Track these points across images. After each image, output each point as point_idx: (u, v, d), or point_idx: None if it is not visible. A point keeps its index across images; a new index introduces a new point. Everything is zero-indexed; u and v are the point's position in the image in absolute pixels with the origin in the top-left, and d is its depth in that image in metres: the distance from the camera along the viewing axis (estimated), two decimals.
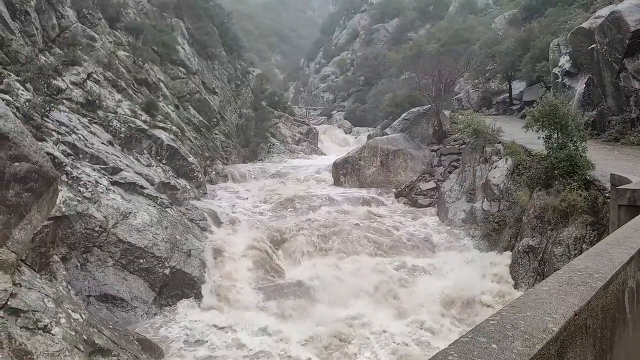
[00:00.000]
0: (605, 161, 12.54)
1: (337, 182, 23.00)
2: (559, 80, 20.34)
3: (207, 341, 10.72)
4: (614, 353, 2.73)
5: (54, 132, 13.28)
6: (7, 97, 12.17)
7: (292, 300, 12.53)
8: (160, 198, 14.82)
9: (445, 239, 16.09)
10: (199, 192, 18.86)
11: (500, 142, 16.87)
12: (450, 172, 20.60)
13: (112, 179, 13.83)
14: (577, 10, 25.17)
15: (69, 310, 8.53)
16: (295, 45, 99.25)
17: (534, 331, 1.85)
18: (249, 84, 35.18)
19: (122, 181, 14.13)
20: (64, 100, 15.45)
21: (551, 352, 1.81)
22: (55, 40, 17.48)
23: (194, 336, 10.90)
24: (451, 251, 15.17)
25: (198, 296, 12.56)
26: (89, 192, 12.56)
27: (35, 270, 9.33)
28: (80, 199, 12.20)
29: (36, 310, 7.81)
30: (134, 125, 17.41)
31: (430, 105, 24.90)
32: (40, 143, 10.68)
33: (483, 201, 15.79)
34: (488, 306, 11.28)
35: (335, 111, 53.03)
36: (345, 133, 41.01)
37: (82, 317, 8.72)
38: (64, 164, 12.54)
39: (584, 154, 11.58)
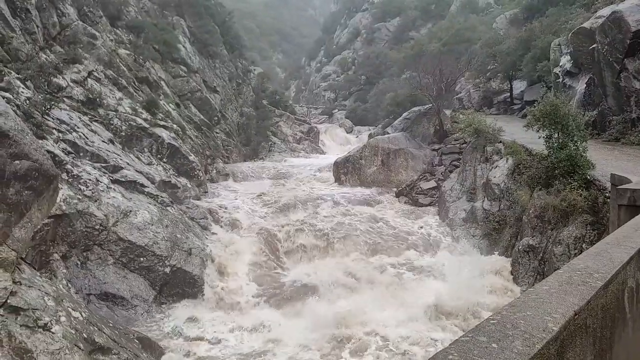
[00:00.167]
0: (605, 161, 12.53)
1: (337, 181, 23.00)
2: (560, 80, 20.32)
3: (207, 340, 10.74)
4: (613, 352, 2.73)
5: (54, 130, 13.28)
6: (7, 94, 12.17)
7: (292, 300, 12.54)
8: (161, 196, 14.83)
9: (445, 238, 16.10)
10: (200, 191, 18.86)
11: (501, 142, 16.86)
12: (451, 172, 20.59)
13: (112, 177, 13.84)
14: (578, 10, 25.13)
15: (69, 308, 8.54)
16: (296, 44, 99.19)
17: (534, 330, 1.85)
18: (250, 82, 35.17)
19: (123, 179, 14.13)
20: (65, 99, 15.45)
21: (551, 351, 1.81)
22: (56, 38, 17.48)
23: (194, 335, 10.91)
24: (451, 251, 15.17)
25: (198, 295, 12.57)
26: (90, 190, 12.57)
27: (35, 269, 9.33)
28: (80, 197, 12.20)
29: (36, 309, 7.82)
30: (134, 124, 17.41)
31: (431, 105, 24.89)
32: (40, 141, 10.69)
33: (484, 200, 15.79)
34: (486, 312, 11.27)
35: (337, 110, 52.99)
36: (347, 132, 40.97)
37: (82, 316, 8.73)
38: (65, 162, 12.54)
39: (584, 154, 11.57)
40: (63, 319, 8.13)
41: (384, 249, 15.20)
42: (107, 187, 13.15)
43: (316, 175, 24.45)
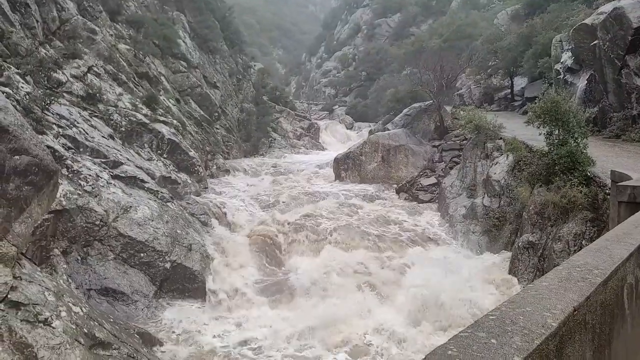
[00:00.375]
0: (606, 158, 12.52)
1: (338, 178, 22.99)
2: (561, 76, 20.27)
3: (207, 335, 10.77)
4: (612, 348, 2.74)
5: (54, 126, 13.26)
6: (7, 89, 12.15)
7: (292, 295, 12.56)
8: (161, 192, 14.83)
9: (445, 234, 16.11)
10: (200, 187, 18.86)
11: (501, 138, 16.84)
12: (451, 168, 20.58)
13: (112, 172, 13.83)
14: (580, 6, 25.05)
15: (69, 303, 8.56)
16: (297, 40, 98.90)
17: (533, 326, 1.86)
18: (251, 78, 35.09)
19: (123, 175, 14.13)
20: (65, 94, 15.42)
21: (550, 347, 1.81)
22: (56, 33, 17.43)
23: (194, 330, 10.94)
24: (451, 247, 15.19)
25: (198, 290, 12.59)
26: (90, 185, 12.57)
27: (35, 264, 9.35)
28: (80, 192, 12.21)
29: (37, 304, 7.83)
30: (134, 119, 17.38)
31: (431, 101, 24.84)
32: (40, 136, 10.68)
33: (484, 197, 15.79)
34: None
35: (337, 106, 52.90)
36: (347, 128, 40.91)
37: (82, 311, 8.75)
38: (65, 157, 12.54)
39: (584, 151, 11.55)
40: (63, 314, 8.15)
41: (383, 246, 15.20)
42: (107, 182, 13.15)
43: (316, 172, 24.44)
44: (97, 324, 8.82)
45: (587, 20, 18.11)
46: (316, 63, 74.35)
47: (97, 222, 12.06)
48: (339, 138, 37.43)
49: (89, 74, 17.04)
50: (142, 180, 14.56)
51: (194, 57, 26.73)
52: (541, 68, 23.75)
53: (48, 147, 10.44)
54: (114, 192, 13.04)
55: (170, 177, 16.88)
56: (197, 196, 17.63)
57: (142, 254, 12.35)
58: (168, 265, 12.53)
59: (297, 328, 10.96)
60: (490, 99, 31.93)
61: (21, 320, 7.49)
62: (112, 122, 16.62)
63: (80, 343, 8.03)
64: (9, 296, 7.54)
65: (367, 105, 46.07)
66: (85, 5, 19.55)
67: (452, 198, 17.72)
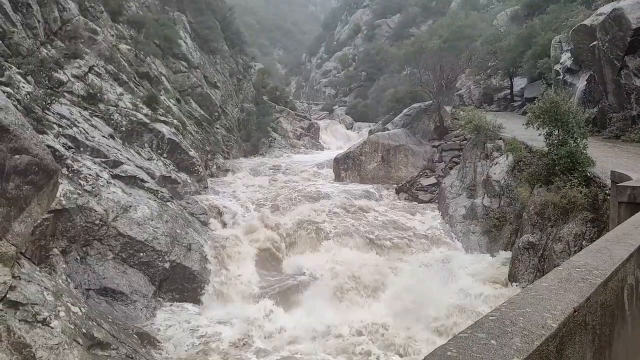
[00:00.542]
0: (605, 158, 12.52)
1: (338, 177, 23.00)
2: (560, 77, 20.27)
3: (206, 335, 10.75)
4: (612, 350, 2.73)
5: (54, 125, 13.26)
6: (8, 89, 12.15)
7: (292, 295, 12.56)
8: (161, 192, 14.82)
9: (445, 234, 16.10)
10: (200, 186, 18.86)
11: (501, 139, 16.84)
12: (451, 168, 20.57)
13: (112, 172, 13.83)
14: (579, 7, 25.06)
15: (68, 303, 8.55)
16: (297, 40, 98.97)
17: (533, 327, 1.85)
18: (251, 78, 35.10)
19: (123, 174, 14.13)
20: (65, 93, 15.42)
21: (550, 348, 1.81)
22: (57, 33, 17.43)
23: (193, 330, 10.93)
24: (450, 247, 15.18)
25: (198, 290, 12.58)
26: (90, 185, 12.56)
27: (34, 263, 9.34)
28: (80, 192, 12.20)
29: (35, 304, 7.82)
30: (135, 119, 17.38)
31: (431, 101, 24.84)
32: (41, 136, 10.67)
33: (484, 197, 15.79)
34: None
35: (337, 106, 52.93)
36: (347, 128, 40.94)
37: (81, 311, 8.74)
38: (65, 157, 12.53)
39: (584, 151, 11.55)
40: (62, 314, 8.14)
41: (383, 245, 15.20)
42: (107, 182, 13.14)
43: (316, 172, 24.44)
44: (95, 324, 8.81)
45: (587, 21, 18.11)
46: (316, 63, 74.40)
47: (97, 222, 12.05)
48: (338, 138, 37.45)
49: (89, 74, 17.04)
50: (142, 180, 14.55)
51: (195, 57, 26.74)
52: (541, 69, 23.76)
53: (48, 146, 10.44)
54: (113, 192, 13.04)
55: (170, 176, 16.88)
56: (197, 195, 17.63)
57: (141, 254, 12.35)
58: (167, 265, 12.52)
59: (296, 330, 10.95)
60: (490, 99, 31.93)
61: (20, 320, 7.48)
62: (112, 121, 16.62)
63: (79, 343, 8.03)
64: (7, 296, 7.53)
65: (367, 105, 46.10)
66: (86, 6, 19.55)
67: (452, 198, 17.72)
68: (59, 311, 8.11)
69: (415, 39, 47.15)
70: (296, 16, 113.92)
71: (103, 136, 15.12)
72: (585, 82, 18.29)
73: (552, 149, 12.05)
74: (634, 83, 15.54)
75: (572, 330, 2.05)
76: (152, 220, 13.04)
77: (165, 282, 12.41)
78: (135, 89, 19.36)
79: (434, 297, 11.43)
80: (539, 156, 12.86)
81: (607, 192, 10.09)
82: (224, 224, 16.25)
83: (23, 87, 13.12)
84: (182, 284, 12.55)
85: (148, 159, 16.79)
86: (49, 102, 13.66)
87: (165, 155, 17.92)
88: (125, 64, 19.81)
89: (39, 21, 16.30)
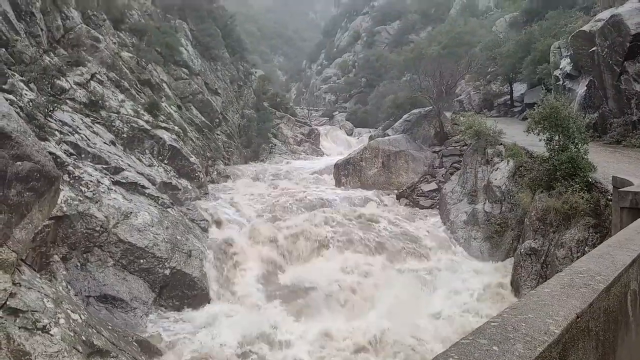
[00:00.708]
0: (607, 163, 12.51)
1: (338, 183, 22.99)
2: (560, 82, 20.32)
3: (207, 343, 10.69)
4: (616, 356, 2.71)
5: (56, 132, 13.29)
6: (11, 96, 12.18)
7: (293, 302, 12.50)
8: (162, 198, 14.82)
9: (446, 241, 16.05)
10: (201, 193, 18.86)
11: (501, 144, 16.85)
12: (451, 174, 20.56)
13: (113, 178, 13.83)
14: (578, 13, 25.18)
15: (68, 310, 8.52)
16: (297, 47, 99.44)
17: (536, 333, 1.84)
18: (252, 85, 35.22)
19: (124, 181, 14.13)
20: (68, 100, 15.48)
21: (553, 354, 1.79)
22: (60, 41, 17.53)
23: (193, 337, 10.87)
24: (452, 254, 15.14)
25: (198, 297, 12.53)
26: (91, 191, 12.56)
27: (35, 270, 9.33)
28: (81, 198, 12.20)
29: (35, 311, 7.80)
30: (136, 126, 17.42)
31: (431, 107, 24.88)
32: (42, 143, 10.69)
33: (485, 203, 15.76)
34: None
35: (337, 112, 53.04)
36: (347, 134, 40.98)
37: (81, 318, 8.71)
38: (66, 163, 12.54)
39: (585, 156, 11.55)
40: (62, 321, 8.11)
41: (384, 252, 15.15)
42: (108, 188, 13.14)
43: (317, 178, 24.43)
44: (95, 331, 8.77)
45: (585, 27, 18.18)
46: (316, 70, 74.67)
47: (98, 228, 12.04)
48: (339, 144, 37.48)
49: (92, 81, 17.11)
50: (143, 186, 14.55)
51: (196, 64, 26.85)
52: (540, 74, 23.82)
53: (50, 153, 10.45)
54: (114, 198, 13.03)
55: (170, 182, 16.88)
56: (198, 202, 17.62)
57: (141, 260, 12.31)
58: (168, 271, 12.49)
59: (299, 339, 10.89)
60: (490, 105, 32.00)
61: (19, 328, 7.45)
62: (114, 128, 16.66)
63: (79, 351, 7.99)
64: (7, 303, 7.51)
65: (367, 111, 46.19)
66: (89, 14, 19.68)
67: (453, 204, 17.69)
68: (58, 318, 8.08)
69: (415, 45, 47.32)
70: (297, 24, 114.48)
71: (104, 143, 15.15)
72: (585, 88, 18.32)
73: (553, 155, 12.05)
74: (634, 88, 15.56)
75: (575, 337, 2.03)
76: (152, 226, 13.02)
77: (166, 289, 12.37)
78: (137, 96, 19.43)
79: (434, 305, 11.39)
80: (540, 161, 12.86)
81: (609, 197, 10.07)
82: (224, 230, 16.21)
83: (26, 94, 13.17)
84: (182, 290, 12.50)
85: (149, 166, 16.80)
86: (51, 109, 13.71)
87: (166, 161, 17.94)
88: (127, 71, 19.90)
89: (42, 29, 16.40)
